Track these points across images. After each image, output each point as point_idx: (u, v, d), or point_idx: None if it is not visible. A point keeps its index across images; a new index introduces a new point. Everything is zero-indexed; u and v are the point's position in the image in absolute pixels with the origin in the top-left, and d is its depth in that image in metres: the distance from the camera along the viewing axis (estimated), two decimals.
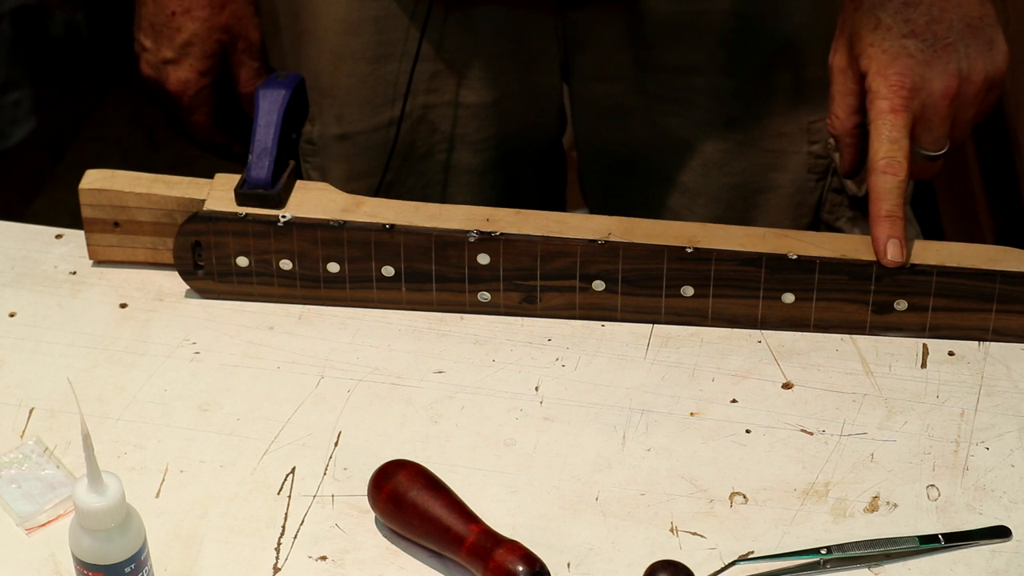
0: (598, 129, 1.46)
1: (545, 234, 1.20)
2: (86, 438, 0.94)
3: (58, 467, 1.11)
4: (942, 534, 1.06)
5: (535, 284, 1.22)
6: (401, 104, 1.40)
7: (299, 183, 1.25)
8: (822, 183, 1.44)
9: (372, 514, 1.07)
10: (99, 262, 1.28)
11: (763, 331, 1.22)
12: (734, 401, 1.16)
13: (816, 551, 1.04)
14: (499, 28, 1.39)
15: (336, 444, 1.13)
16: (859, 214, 1.45)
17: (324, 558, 1.05)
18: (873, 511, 1.08)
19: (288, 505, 1.09)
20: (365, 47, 1.39)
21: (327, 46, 1.39)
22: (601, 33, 1.38)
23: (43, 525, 1.08)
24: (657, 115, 1.42)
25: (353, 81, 1.40)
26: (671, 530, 1.07)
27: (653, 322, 1.23)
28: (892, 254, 1.17)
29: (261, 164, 1.23)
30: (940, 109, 1.19)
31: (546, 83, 1.44)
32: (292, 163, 1.25)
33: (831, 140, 1.41)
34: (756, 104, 1.41)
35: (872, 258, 1.18)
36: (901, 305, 1.20)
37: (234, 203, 1.23)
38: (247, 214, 1.22)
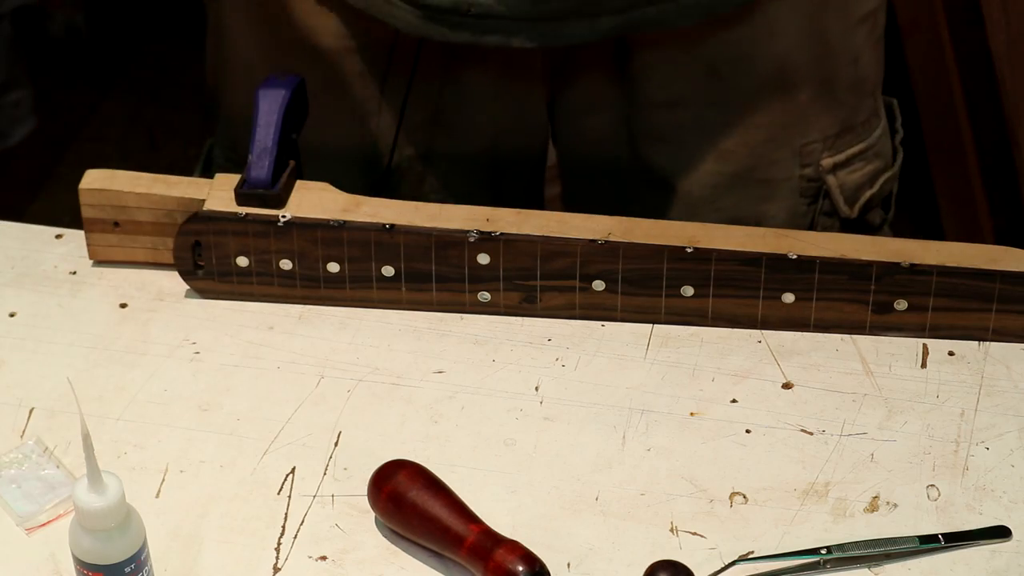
0: (584, 167, 1.45)
1: (545, 234, 1.20)
2: (86, 438, 0.94)
3: (58, 467, 1.11)
4: (942, 534, 1.06)
5: (535, 284, 1.22)
6: (388, 158, 1.39)
7: (299, 183, 1.25)
8: (813, 207, 1.43)
9: (372, 514, 1.07)
10: (99, 262, 1.28)
11: (763, 331, 1.22)
12: (734, 401, 1.16)
13: (816, 551, 1.04)
14: (487, 81, 1.38)
15: (336, 444, 1.13)
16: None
17: (324, 558, 1.05)
18: (873, 511, 1.08)
19: (288, 505, 1.09)
20: (352, 105, 1.37)
21: (311, 107, 1.36)
22: (588, 71, 1.37)
23: (43, 525, 1.08)
24: (644, 152, 1.40)
25: (339, 141, 1.39)
26: (671, 530, 1.07)
27: (653, 322, 1.22)
28: None
29: (261, 164, 1.23)
30: None
31: (533, 120, 1.42)
32: (292, 163, 1.25)
33: (823, 163, 1.40)
34: (746, 133, 1.38)
35: (872, 258, 1.18)
36: (901, 305, 1.20)
37: (234, 203, 1.23)
38: (247, 214, 1.22)
